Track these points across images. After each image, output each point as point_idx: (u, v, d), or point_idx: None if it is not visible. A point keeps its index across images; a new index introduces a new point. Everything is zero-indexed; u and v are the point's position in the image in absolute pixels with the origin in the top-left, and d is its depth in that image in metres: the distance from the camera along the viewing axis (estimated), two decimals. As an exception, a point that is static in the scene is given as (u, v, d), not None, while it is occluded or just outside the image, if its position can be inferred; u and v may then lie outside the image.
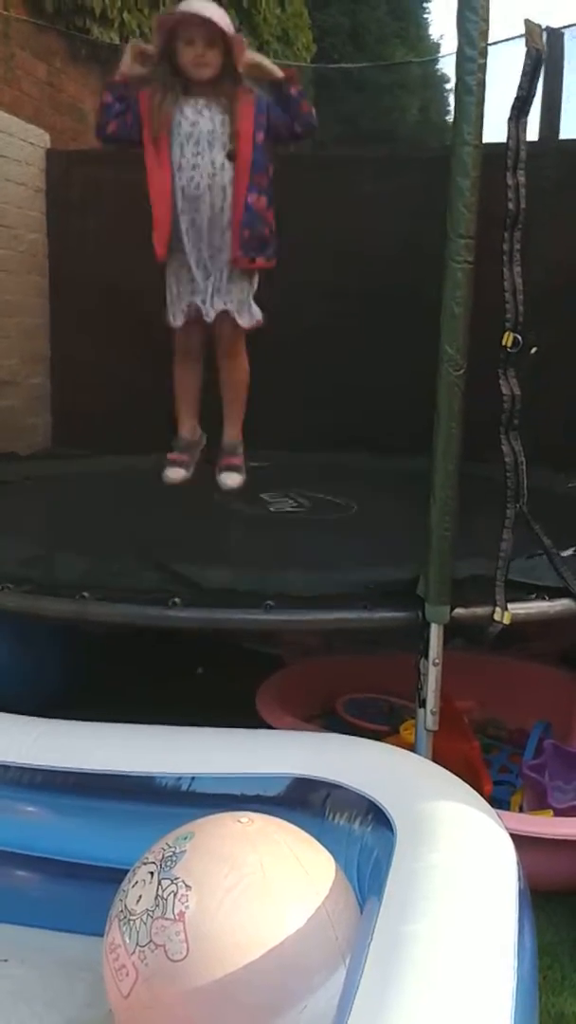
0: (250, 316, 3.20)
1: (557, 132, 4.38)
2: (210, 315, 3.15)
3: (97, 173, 5.12)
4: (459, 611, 2.17)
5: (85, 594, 2.32)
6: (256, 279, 3.21)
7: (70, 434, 5.18)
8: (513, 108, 2.05)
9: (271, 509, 3.36)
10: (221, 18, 2.95)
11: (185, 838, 1.52)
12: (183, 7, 2.97)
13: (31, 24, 5.25)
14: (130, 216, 4.86)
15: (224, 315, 3.16)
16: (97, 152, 5.76)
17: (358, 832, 1.72)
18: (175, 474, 3.34)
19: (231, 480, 3.35)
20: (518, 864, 1.48)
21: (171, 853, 1.49)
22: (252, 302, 3.20)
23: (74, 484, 3.94)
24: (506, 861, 1.47)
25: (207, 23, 2.89)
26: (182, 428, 3.42)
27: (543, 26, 4.37)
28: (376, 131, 8.18)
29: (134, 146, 3.07)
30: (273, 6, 8.65)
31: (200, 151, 2.97)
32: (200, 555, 2.52)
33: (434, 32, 14.83)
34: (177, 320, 3.24)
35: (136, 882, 1.49)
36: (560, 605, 2.30)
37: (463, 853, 1.48)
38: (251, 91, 3.02)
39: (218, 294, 3.13)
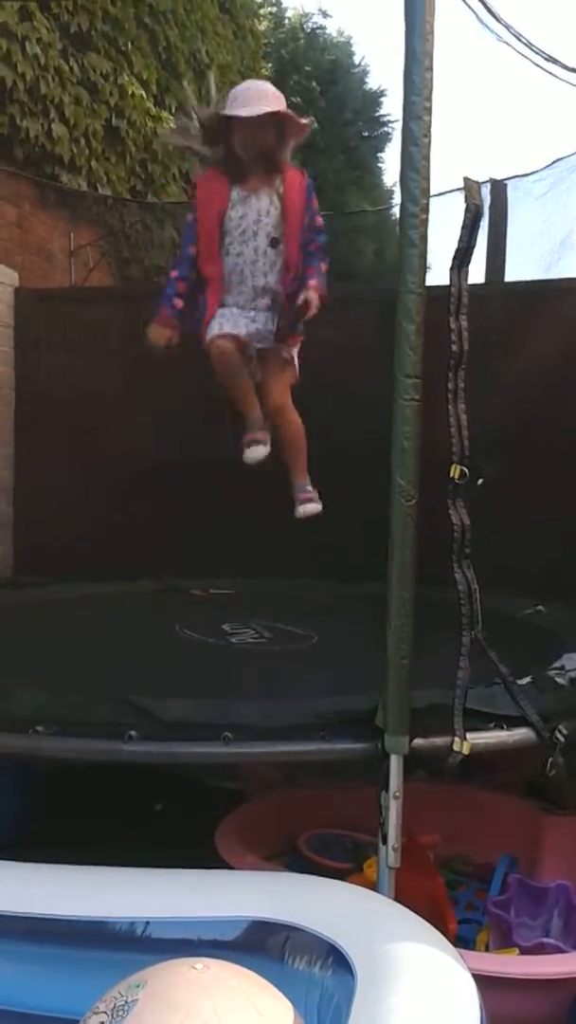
0: (292, 361, 3.23)
1: (502, 275, 4.64)
2: (255, 345, 3.17)
3: (63, 310, 5.31)
4: (418, 741, 2.16)
5: (38, 728, 2.28)
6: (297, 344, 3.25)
7: (31, 563, 5.18)
8: (455, 259, 2.19)
9: (232, 640, 3.36)
10: (273, 100, 2.95)
11: (137, 986, 1.46)
12: (233, 99, 2.99)
13: (2, 170, 5.52)
14: (94, 352, 5.06)
15: (269, 354, 3.19)
16: (63, 291, 6.00)
17: (318, 977, 1.67)
18: (257, 452, 3.22)
19: (311, 509, 3.27)
20: (480, 1007, 1.44)
21: (123, 1002, 1.43)
22: (294, 356, 3.23)
23: (33, 613, 3.91)
24: (468, 1004, 1.43)
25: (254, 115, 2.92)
26: (250, 414, 3.26)
27: (487, 179, 4.71)
28: (334, 272, 8.57)
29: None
30: (235, 157, 9.15)
31: (247, 238, 3.05)
32: (158, 687, 2.50)
33: (387, 179, 15.81)
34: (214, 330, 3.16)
35: (86, 1035, 1.42)
36: (518, 734, 2.30)
37: (424, 997, 1.44)
38: (300, 172, 3.10)
39: (261, 335, 3.15)
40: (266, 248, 3.06)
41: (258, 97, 2.95)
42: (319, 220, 3.15)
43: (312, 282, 3.02)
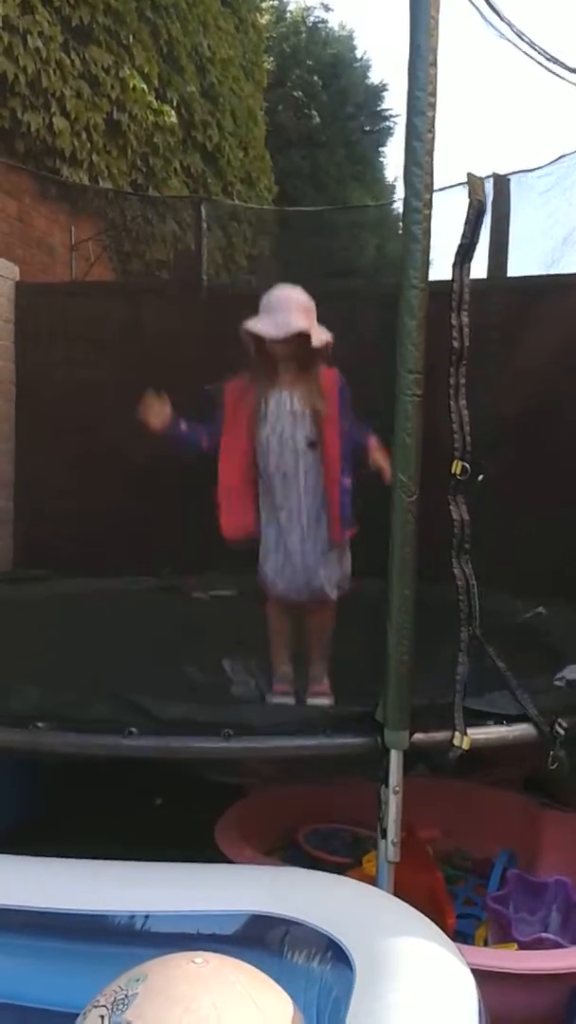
0: (341, 587, 3.02)
1: (505, 271, 4.63)
2: (303, 594, 2.98)
3: (64, 305, 5.31)
4: (418, 736, 2.16)
5: (38, 724, 2.28)
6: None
7: (31, 558, 5.18)
8: (457, 255, 2.19)
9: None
10: (300, 315, 2.83)
11: (137, 980, 1.46)
12: (262, 307, 2.89)
13: (3, 164, 5.51)
14: (95, 346, 5.06)
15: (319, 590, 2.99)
16: (64, 285, 6.00)
17: (317, 971, 1.67)
18: (282, 700, 2.98)
19: (321, 703, 2.98)
20: (479, 1001, 1.45)
21: (123, 996, 1.44)
22: (346, 570, 3.02)
23: (33, 608, 3.92)
24: (467, 998, 1.44)
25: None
26: (278, 666, 3.07)
27: (490, 174, 4.70)
28: (335, 268, 8.56)
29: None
30: (236, 150, 9.17)
31: (284, 440, 2.90)
32: (159, 682, 2.50)
33: (389, 174, 15.78)
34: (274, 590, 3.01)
35: (86, 1028, 1.43)
36: (518, 729, 2.30)
37: (422, 991, 1.44)
38: (330, 369, 2.96)
39: (312, 574, 2.95)
40: (305, 449, 2.90)
41: (283, 306, 2.85)
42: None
43: (372, 441, 2.86)
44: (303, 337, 2.80)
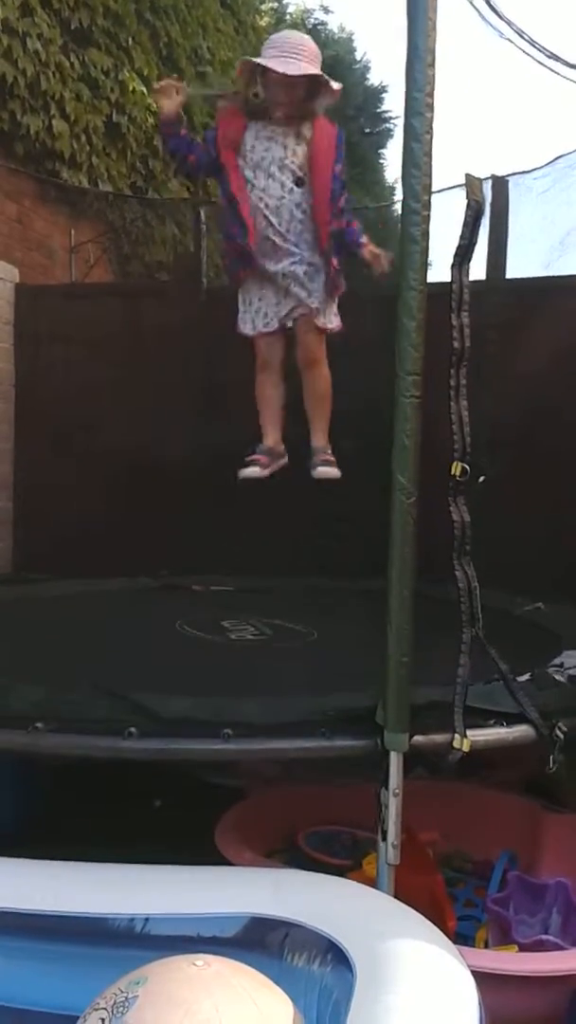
0: (333, 318, 3.21)
1: (504, 272, 4.63)
2: (290, 321, 3.16)
3: (64, 307, 5.31)
4: (418, 738, 2.16)
5: (38, 725, 2.28)
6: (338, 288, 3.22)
7: (31, 558, 5.18)
8: (456, 255, 2.18)
9: (232, 637, 3.36)
10: (311, 60, 2.95)
11: (137, 983, 1.46)
12: (271, 46, 2.99)
13: (2, 166, 5.51)
14: (94, 348, 5.06)
15: (305, 320, 3.17)
16: (64, 287, 6.00)
17: (317, 973, 1.67)
18: (251, 471, 3.26)
19: (330, 471, 3.29)
20: (479, 1004, 1.44)
21: (123, 998, 1.43)
22: (334, 307, 3.21)
23: (33, 609, 3.92)
24: (467, 1001, 1.43)
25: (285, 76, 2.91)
26: (266, 439, 3.35)
27: (488, 175, 4.69)
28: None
29: (212, 175, 3.18)
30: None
31: (271, 174, 3.02)
32: (158, 684, 2.49)
33: (389, 176, 15.79)
34: (248, 327, 3.23)
35: (85, 1031, 1.42)
36: (518, 731, 2.30)
37: (423, 993, 1.44)
38: (331, 124, 3.09)
39: (299, 299, 3.14)
40: (291, 186, 3.01)
41: (295, 51, 2.93)
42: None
43: (364, 239, 3.06)
44: (307, 84, 2.94)
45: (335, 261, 3.12)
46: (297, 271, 3.10)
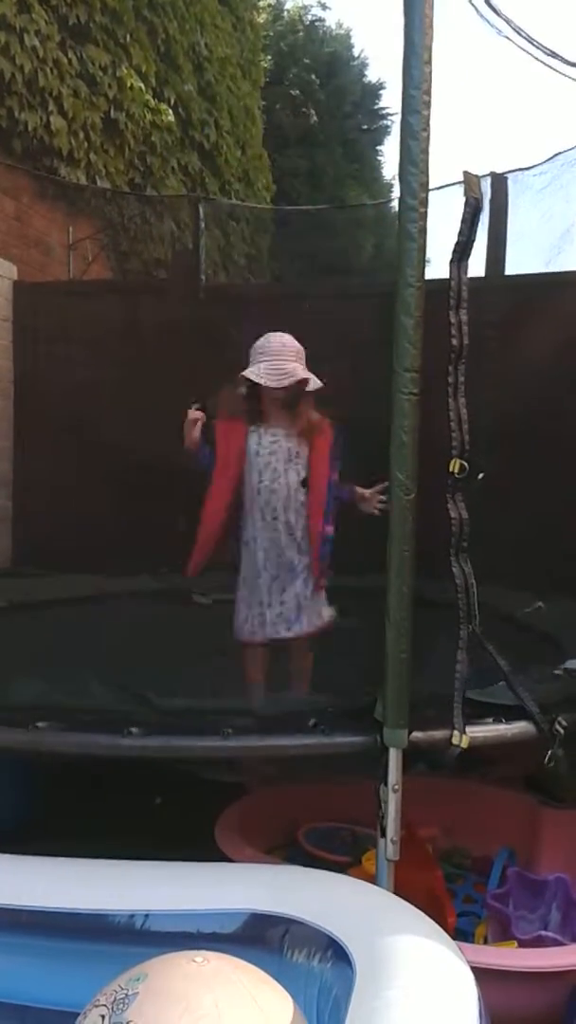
0: (323, 620, 3.14)
1: (503, 269, 4.63)
2: (281, 635, 3.07)
3: (62, 304, 5.30)
4: (417, 735, 2.16)
5: (39, 724, 2.28)
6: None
7: (30, 556, 5.19)
8: (454, 252, 2.18)
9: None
10: (296, 365, 2.97)
11: (138, 979, 1.46)
12: (261, 345, 3.01)
13: (0, 163, 5.51)
14: (93, 345, 5.06)
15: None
16: (62, 284, 5.99)
17: (317, 970, 1.67)
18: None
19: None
20: (479, 999, 1.45)
21: (123, 995, 1.43)
22: (322, 608, 3.14)
23: (33, 607, 3.92)
24: (467, 997, 1.44)
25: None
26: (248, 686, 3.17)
27: (487, 172, 4.70)
28: (333, 267, 8.57)
29: None
30: (234, 149, 9.16)
31: (277, 476, 3.03)
32: (158, 682, 2.50)
33: (387, 173, 15.77)
34: (243, 634, 3.11)
35: (86, 1027, 1.43)
36: (517, 727, 2.30)
37: (422, 989, 1.44)
38: (329, 424, 3.08)
39: (289, 621, 3.06)
40: (298, 485, 3.03)
41: (281, 358, 2.96)
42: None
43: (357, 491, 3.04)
44: (299, 383, 2.94)
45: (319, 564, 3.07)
46: (289, 606, 3.07)
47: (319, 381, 2.99)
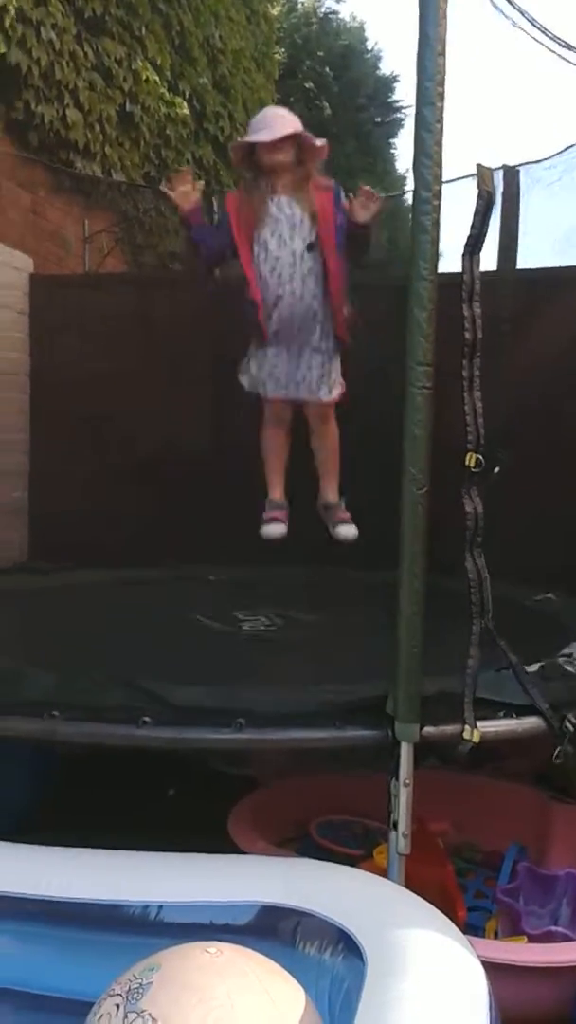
0: (338, 389, 3.30)
1: (515, 262, 4.61)
2: (300, 398, 3.27)
3: (77, 296, 5.30)
4: (428, 729, 2.16)
5: (54, 713, 2.29)
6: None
7: (46, 548, 5.19)
8: (467, 245, 2.18)
9: (244, 628, 3.37)
10: (289, 124, 3.08)
11: (152, 969, 1.48)
12: (253, 127, 3.15)
13: (17, 156, 5.52)
14: (108, 338, 5.06)
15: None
16: (78, 277, 6.00)
17: (329, 962, 1.68)
18: (276, 529, 3.38)
19: (350, 532, 3.39)
20: (489, 993, 1.45)
21: (137, 985, 1.45)
22: (339, 375, 3.31)
23: (49, 598, 3.93)
24: (477, 991, 1.44)
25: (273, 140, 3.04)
26: (273, 492, 3.46)
27: (500, 165, 4.67)
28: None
29: (230, 259, 3.23)
30: (248, 142, 9.12)
31: (282, 243, 3.12)
32: (172, 673, 2.51)
33: (400, 166, 15.72)
34: (260, 387, 3.31)
35: (101, 1015, 1.44)
36: (528, 723, 2.30)
37: (433, 983, 1.45)
38: (328, 185, 3.18)
39: (306, 381, 3.24)
40: (303, 252, 3.11)
41: (275, 122, 3.10)
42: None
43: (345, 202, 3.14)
44: (296, 143, 3.06)
45: (344, 312, 3.21)
46: (312, 364, 3.24)
47: (319, 141, 3.10)
